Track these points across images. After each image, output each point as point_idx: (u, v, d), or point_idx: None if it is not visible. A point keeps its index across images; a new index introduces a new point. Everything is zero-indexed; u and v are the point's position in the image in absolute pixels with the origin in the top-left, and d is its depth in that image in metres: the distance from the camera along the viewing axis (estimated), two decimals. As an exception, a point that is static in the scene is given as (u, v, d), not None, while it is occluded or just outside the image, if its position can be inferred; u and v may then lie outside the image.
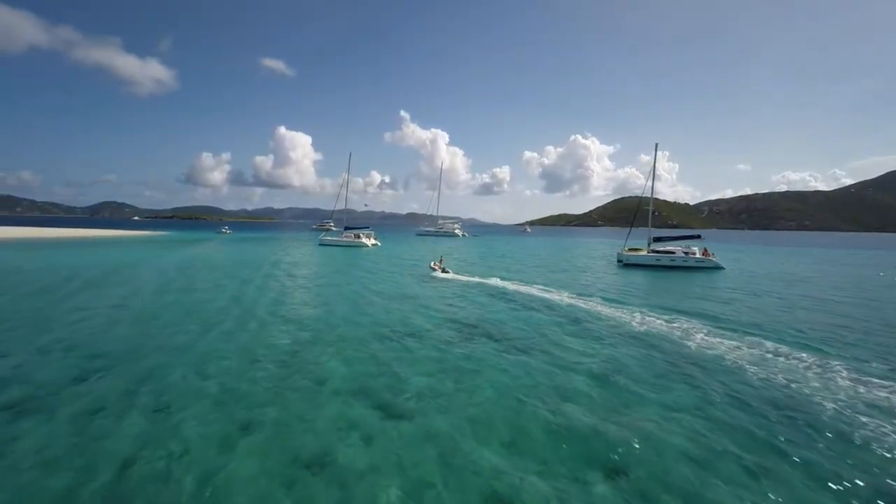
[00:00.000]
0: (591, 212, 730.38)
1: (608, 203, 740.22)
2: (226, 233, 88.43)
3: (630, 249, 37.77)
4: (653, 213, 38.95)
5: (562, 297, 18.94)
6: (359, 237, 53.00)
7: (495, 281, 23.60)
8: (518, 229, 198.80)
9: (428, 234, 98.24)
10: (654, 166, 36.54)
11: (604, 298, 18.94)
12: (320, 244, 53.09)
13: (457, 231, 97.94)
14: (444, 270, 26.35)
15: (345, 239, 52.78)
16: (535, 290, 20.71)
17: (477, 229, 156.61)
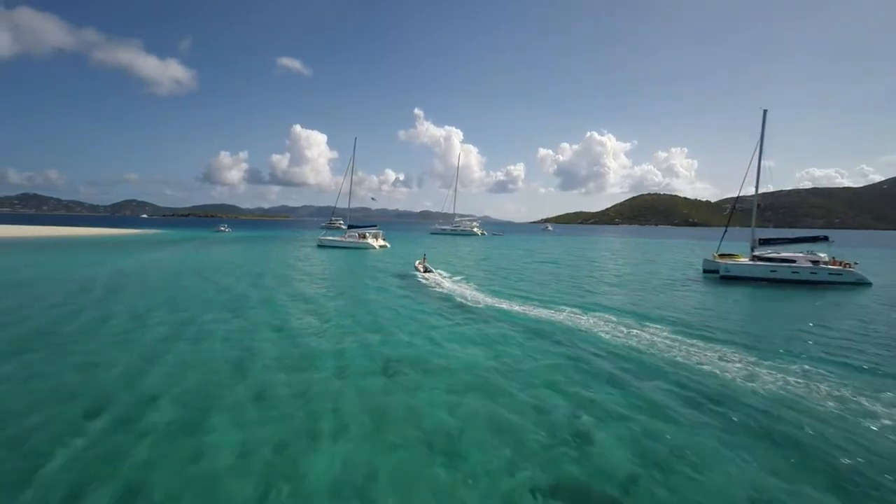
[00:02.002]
0: (608, 209, 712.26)
1: (625, 200, 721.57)
2: (223, 231, 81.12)
3: (721, 256, 28.01)
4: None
5: (753, 373, 9.58)
6: (364, 237, 44.18)
7: (575, 317, 14.33)
8: (539, 227, 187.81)
9: (444, 232, 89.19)
10: (762, 140, 26.59)
11: (839, 366, 9.51)
12: (319, 245, 44.51)
13: (475, 229, 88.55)
14: (426, 269, 24.16)
15: (348, 239, 44.01)
16: (661, 339, 11.37)
17: (495, 227, 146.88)
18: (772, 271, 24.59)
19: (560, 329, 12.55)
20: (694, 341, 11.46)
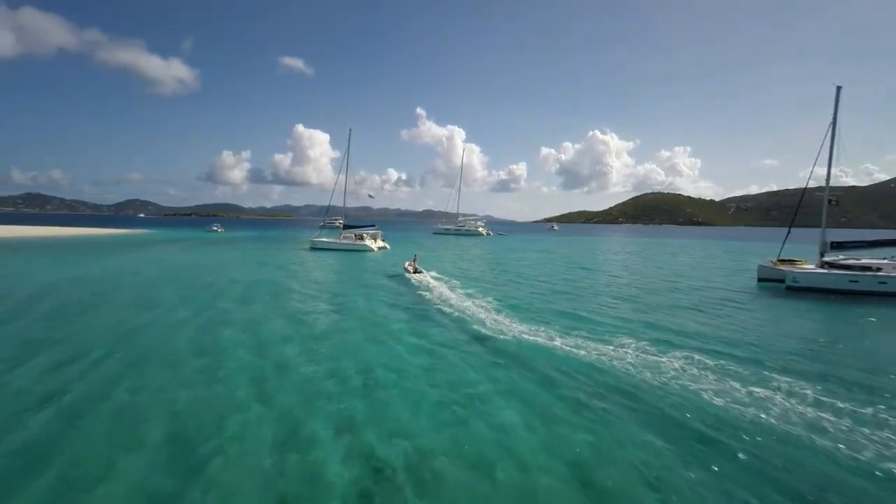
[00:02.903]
0: (611, 208, 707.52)
1: (628, 200, 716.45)
2: (216, 231, 77.21)
3: (782, 261, 23.66)
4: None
5: None
6: (362, 238, 39.91)
7: (652, 358, 9.99)
8: (544, 227, 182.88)
9: (448, 232, 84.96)
10: (835, 121, 22.16)
11: None
12: (312, 248, 40.28)
13: (480, 229, 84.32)
14: (416, 271, 23.31)
15: (343, 241, 39.73)
16: (819, 414, 7.09)
17: (500, 227, 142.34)
18: (852, 281, 20.20)
19: (642, 385, 8.24)
20: (870, 410, 7.15)
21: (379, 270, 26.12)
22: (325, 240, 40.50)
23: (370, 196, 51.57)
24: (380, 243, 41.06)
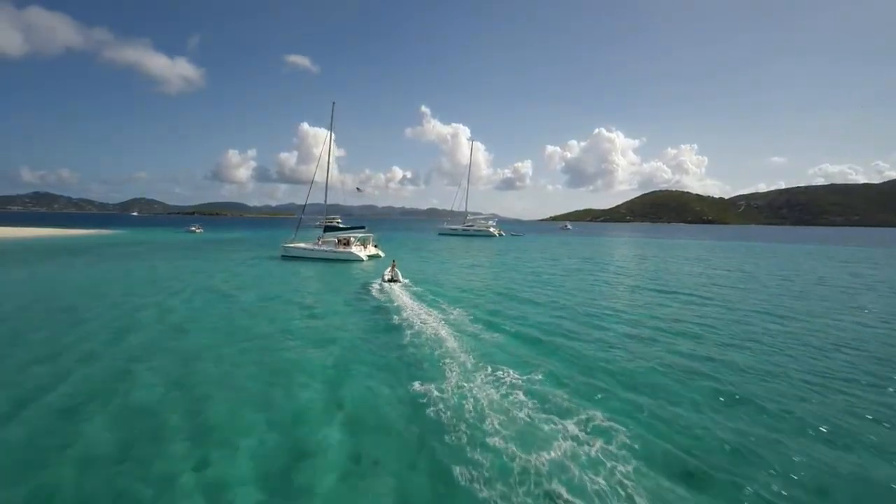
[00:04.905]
0: (618, 206, 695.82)
1: (636, 197, 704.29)
2: (194, 232, 68.89)
3: None
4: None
5: None
6: (347, 244, 30.72)
7: None
8: (556, 226, 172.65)
9: (455, 232, 76.03)
10: None
11: None
12: (283, 256, 31.24)
13: (492, 229, 75.23)
14: (393, 279, 19.79)
15: (322, 247, 30.58)
16: None
17: (512, 227, 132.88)
18: None
19: None
20: None
21: (367, 293, 17.01)
22: (300, 246, 31.27)
23: (358, 189, 42.47)
24: (371, 250, 31.84)
